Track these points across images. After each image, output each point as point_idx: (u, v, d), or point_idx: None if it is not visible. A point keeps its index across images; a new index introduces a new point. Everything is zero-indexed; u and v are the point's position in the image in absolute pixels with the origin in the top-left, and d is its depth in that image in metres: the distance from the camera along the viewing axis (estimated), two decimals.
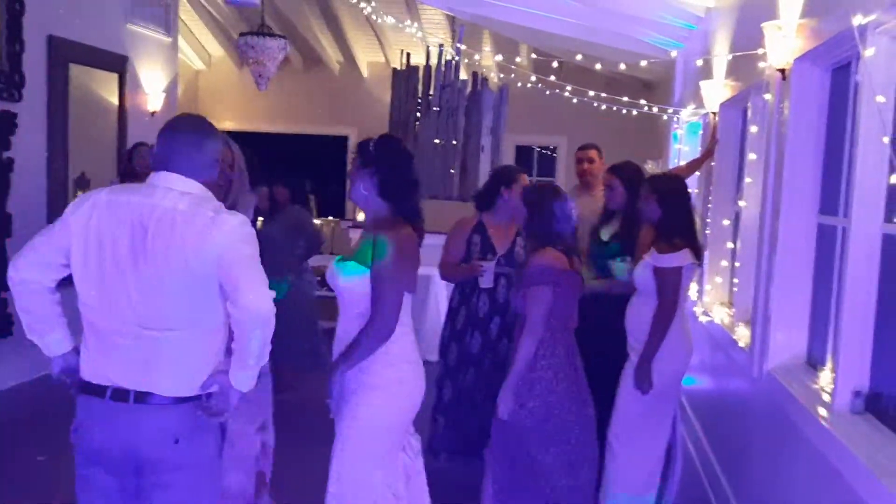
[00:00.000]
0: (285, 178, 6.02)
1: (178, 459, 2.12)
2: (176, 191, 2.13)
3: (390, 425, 2.67)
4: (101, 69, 6.45)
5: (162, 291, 2.06)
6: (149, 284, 2.06)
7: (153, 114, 7.12)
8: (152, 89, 7.17)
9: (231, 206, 2.99)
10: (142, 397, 2.08)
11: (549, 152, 11.08)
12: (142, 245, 2.06)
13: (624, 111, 6.30)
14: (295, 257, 5.37)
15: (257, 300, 2.08)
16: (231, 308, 2.09)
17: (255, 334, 2.09)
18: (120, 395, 2.08)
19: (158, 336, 2.08)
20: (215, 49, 10.65)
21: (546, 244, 3.22)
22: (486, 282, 3.97)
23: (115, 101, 6.66)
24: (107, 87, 6.60)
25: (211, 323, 2.15)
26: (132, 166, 5.26)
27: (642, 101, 6.04)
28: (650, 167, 6.50)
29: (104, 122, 6.58)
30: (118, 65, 6.64)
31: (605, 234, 4.07)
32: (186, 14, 9.53)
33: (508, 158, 9.92)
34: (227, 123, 10.87)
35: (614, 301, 3.80)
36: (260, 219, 6.37)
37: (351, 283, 2.65)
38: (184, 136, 2.19)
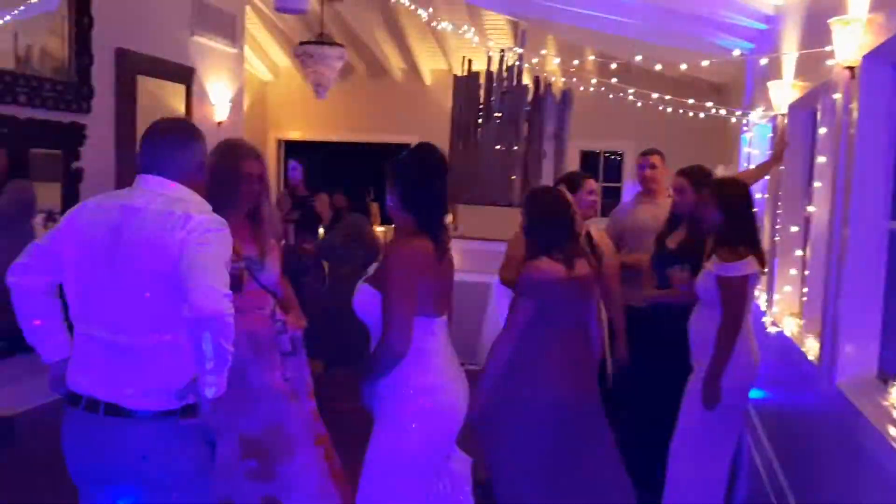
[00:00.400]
0: (345, 186, 6.07)
1: (150, 476, 2.06)
2: (154, 192, 2.14)
3: (411, 459, 2.48)
4: (167, 80, 6.61)
5: (132, 294, 2.05)
6: (120, 287, 2.06)
7: (219, 124, 7.26)
8: (218, 100, 7.31)
9: (261, 217, 3.01)
10: (112, 409, 2.05)
11: (615, 157, 10.89)
12: (115, 247, 2.06)
13: (690, 114, 6.13)
14: (354, 266, 5.38)
15: (205, 300, 1.99)
16: (184, 308, 2.03)
17: (205, 336, 1.99)
18: (92, 405, 2.06)
19: (130, 342, 2.05)
20: (282, 60, 10.82)
21: (540, 253, 3.12)
22: None
23: (182, 111, 6.81)
24: (174, 98, 6.75)
25: (184, 328, 2.07)
26: None
27: (709, 104, 5.85)
28: (720, 172, 6.31)
29: None
30: (185, 76, 6.78)
31: (672, 242, 3.94)
32: (254, 26, 9.72)
33: (572, 164, 9.78)
34: (293, 133, 11.04)
35: (675, 312, 3.67)
36: (321, 229, 6.45)
37: (364, 302, 2.54)
38: (166, 139, 2.21)
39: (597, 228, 4.11)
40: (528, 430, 3.09)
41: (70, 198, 5.42)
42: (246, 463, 2.86)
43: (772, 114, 4.92)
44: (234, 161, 2.94)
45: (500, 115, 7.78)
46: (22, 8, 5.27)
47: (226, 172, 2.87)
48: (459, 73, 8.10)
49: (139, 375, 2.05)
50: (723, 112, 5.95)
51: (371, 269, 2.59)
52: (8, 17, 5.17)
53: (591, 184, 4.09)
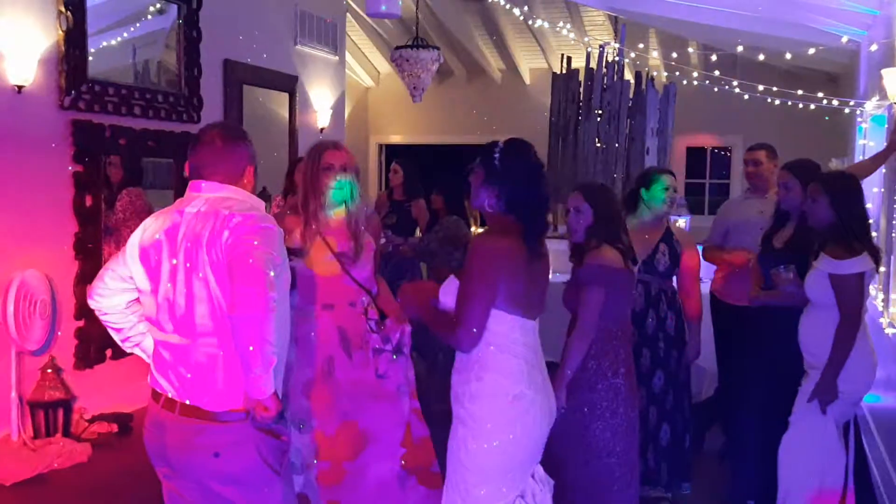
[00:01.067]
0: (440, 186, 6.09)
1: (222, 473, 2.13)
2: (204, 196, 2.23)
3: (484, 467, 2.40)
4: (272, 89, 6.84)
5: (192, 298, 2.12)
6: (182, 292, 2.13)
7: (322, 130, 7.45)
8: (321, 106, 7.51)
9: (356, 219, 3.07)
10: (187, 409, 2.15)
11: (723, 153, 10.52)
12: (172, 254, 2.15)
13: (800, 105, 5.86)
14: (451, 268, 5.40)
15: (244, 300, 2.00)
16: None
17: (244, 335, 2.00)
18: (169, 404, 2.18)
19: (196, 344, 2.12)
20: (383, 66, 11.01)
21: (605, 242, 3.13)
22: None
23: (286, 119, 7.03)
24: (278, 106, 6.98)
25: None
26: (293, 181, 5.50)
27: (819, 94, 5.58)
28: (834, 165, 6.01)
29: (277, 140, 6.96)
30: (289, 84, 7.00)
31: (778, 241, 3.77)
32: (355, 33, 9.93)
33: (677, 161, 9.52)
34: (394, 137, 11.22)
35: (782, 313, 3.52)
36: (417, 232, 6.51)
37: (449, 294, 2.51)
38: (213, 144, 2.32)
39: (676, 224, 4.03)
40: (603, 420, 3.09)
41: None
42: (319, 465, 2.90)
43: (887, 103, 4.65)
44: (316, 154, 3.06)
45: (600, 112, 7.66)
46: (138, 25, 5.58)
47: (310, 167, 3.02)
48: (558, 72, 8.02)
49: (211, 376, 2.12)
50: (835, 103, 5.66)
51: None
52: (126, 34, 5.49)
53: (670, 179, 4.03)
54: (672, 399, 3.89)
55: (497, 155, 2.47)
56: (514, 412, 2.38)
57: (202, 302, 2.13)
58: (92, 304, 2.41)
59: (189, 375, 2.15)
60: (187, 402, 2.15)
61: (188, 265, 2.14)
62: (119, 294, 2.36)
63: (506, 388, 2.39)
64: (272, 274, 2.04)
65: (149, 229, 2.28)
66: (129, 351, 2.44)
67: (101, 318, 2.44)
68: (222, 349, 2.12)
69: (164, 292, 2.18)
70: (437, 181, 6.09)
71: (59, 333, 4.81)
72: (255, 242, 2.09)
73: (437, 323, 2.48)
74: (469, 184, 2.53)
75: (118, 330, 2.43)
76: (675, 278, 4.04)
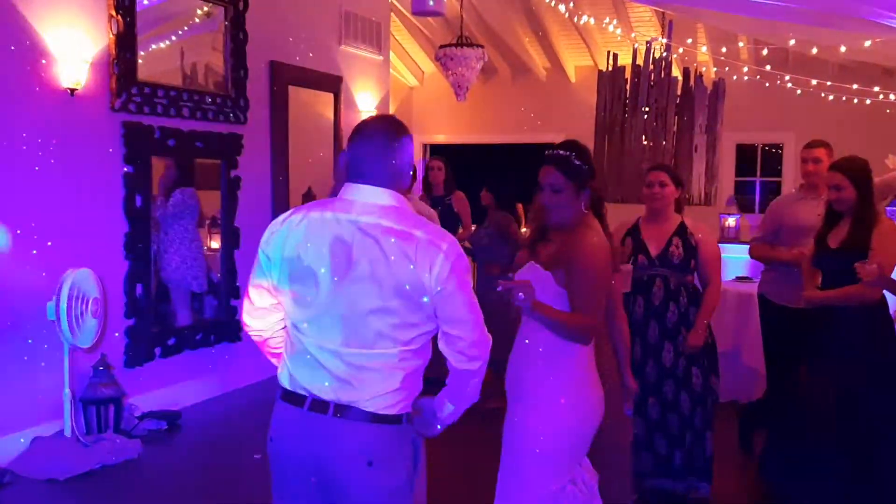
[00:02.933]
0: (489, 183, 6.05)
1: (368, 483, 1.98)
2: (373, 204, 2.00)
3: (546, 451, 2.45)
4: (317, 90, 6.88)
5: (366, 310, 1.95)
6: (352, 303, 1.95)
7: None
8: (365, 106, 7.54)
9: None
10: (341, 410, 1.97)
11: (774, 150, 10.29)
12: (346, 263, 1.95)
13: (856, 100, 5.69)
14: (501, 265, 5.38)
15: (481, 347, 2.04)
16: (452, 345, 2.03)
17: (473, 381, 2.05)
18: (319, 406, 1.98)
19: (363, 353, 1.97)
20: (427, 65, 11.01)
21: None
22: (624, 285, 3.76)
23: (330, 119, 7.07)
24: (324, 107, 7.02)
25: (418, 343, 2.03)
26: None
27: (875, 88, 5.41)
28: (891, 162, 5.83)
29: (322, 140, 7.01)
30: (333, 85, 7.04)
31: (832, 241, 3.66)
32: (399, 33, 9.95)
33: (727, 158, 9.34)
34: (439, 137, 11.21)
35: (838, 315, 3.45)
36: (461, 228, 6.50)
37: (534, 281, 2.51)
38: (374, 141, 2.05)
39: (692, 219, 3.93)
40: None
41: (230, 204, 5.76)
42: None
43: None
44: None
45: (647, 109, 7.54)
46: (186, 28, 5.67)
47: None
48: (604, 69, 7.92)
49: (370, 382, 1.98)
50: (892, 97, 5.48)
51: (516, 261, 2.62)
52: (174, 37, 5.57)
53: (650, 176, 3.95)
54: (699, 384, 3.81)
55: (577, 162, 2.56)
56: (584, 394, 2.49)
57: (366, 313, 2.00)
58: (247, 330, 2.22)
59: (348, 378, 2.00)
60: (343, 403, 2.02)
61: (361, 275, 1.97)
62: (268, 315, 2.16)
63: (574, 375, 2.48)
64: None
65: (304, 231, 2.02)
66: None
67: (257, 344, 2.24)
68: (390, 358, 2.02)
69: (330, 300, 2.01)
70: (487, 178, 6.06)
71: (117, 334, 4.91)
72: (467, 269, 2.07)
73: (559, 320, 2.47)
74: (547, 207, 2.58)
75: (276, 355, 2.21)
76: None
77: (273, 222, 2.09)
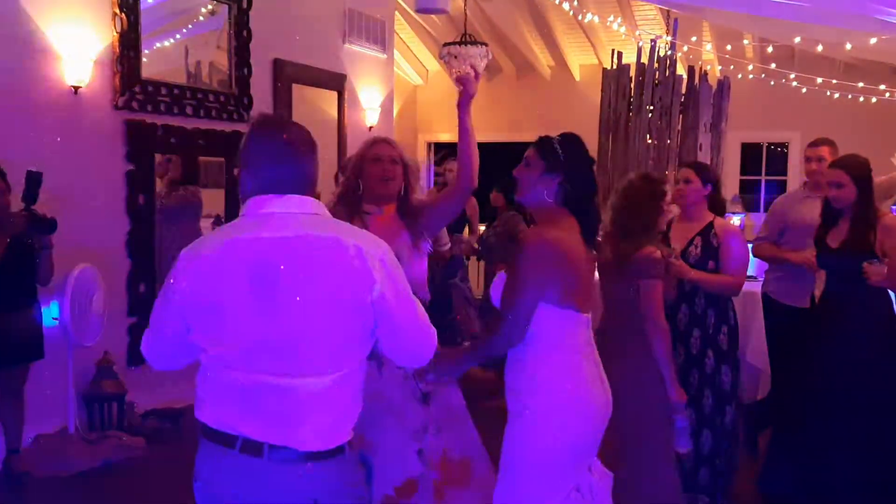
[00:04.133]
0: (500, 184, 6.04)
1: None
2: (296, 213, 1.84)
3: (547, 458, 2.36)
4: (321, 88, 6.88)
5: (303, 333, 1.79)
6: (285, 327, 1.78)
7: (370, 129, 7.47)
8: (369, 105, 7.53)
9: (411, 209, 3.03)
10: (277, 451, 1.78)
11: (779, 149, 10.26)
12: (273, 285, 1.77)
13: (861, 99, 5.67)
14: (509, 264, 5.37)
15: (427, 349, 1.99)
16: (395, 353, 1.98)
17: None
18: (252, 448, 1.79)
19: (298, 383, 1.79)
20: (431, 64, 11.00)
21: (648, 243, 3.10)
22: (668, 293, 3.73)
23: (334, 117, 7.07)
24: (327, 105, 7.02)
25: (355, 365, 1.88)
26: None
27: (882, 87, 5.39)
28: None
29: (326, 138, 7.00)
30: (337, 83, 7.04)
31: (832, 241, 3.64)
32: (403, 31, 9.94)
33: (731, 157, 9.31)
34: (443, 136, 11.20)
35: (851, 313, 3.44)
36: (466, 228, 6.50)
37: (497, 289, 2.48)
38: (301, 149, 1.92)
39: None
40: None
41: (233, 203, 5.75)
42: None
43: None
44: (364, 148, 3.03)
45: (651, 107, 7.52)
46: (190, 26, 5.67)
47: (358, 162, 2.99)
48: (609, 67, 7.90)
49: (309, 415, 1.81)
50: None
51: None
52: (178, 36, 5.58)
53: (679, 173, 3.95)
54: (709, 400, 3.74)
55: (557, 147, 2.44)
56: (571, 406, 2.37)
57: (320, 336, 1.85)
58: (156, 367, 2.08)
59: (288, 414, 1.83)
60: (282, 445, 1.85)
61: (293, 296, 1.80)
62: (181, 359, 2.02)
63: (562, 383, 2.37)
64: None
65: (218, 258, 1.84)
66: None
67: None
68: (335, 383, 1.86)
69: (263, 327, 1.84)
70: (498, 179, 6.05)
71: (120, 332, 4.90)
72: (403, 275, 1.99)
73: (480, 353, 2.50)
74: (516, 178, 2.48)
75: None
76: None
77: (182, 255, 1.87)
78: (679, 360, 3.70)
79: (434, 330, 2.02)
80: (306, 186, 1.89)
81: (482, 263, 9.64)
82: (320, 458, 1.81)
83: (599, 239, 3.08)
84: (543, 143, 2.48)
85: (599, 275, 3.28)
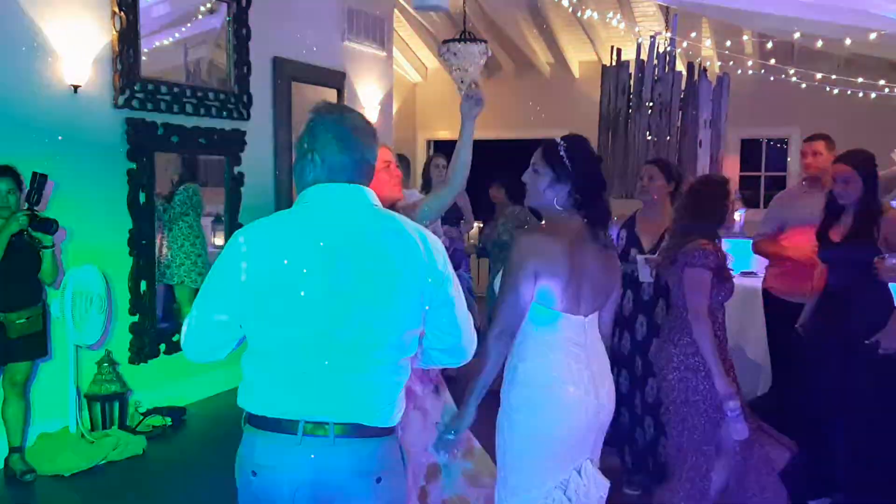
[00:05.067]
0: (501, 179, 6.04)
1: (377, 499, 1.86)
2: (356, 202, 1.87)
3: (518, 454, 2.39)
4: (321, 86, 6.87)
5: (359, 319, 1.81)
6: (349, 313, 1.81)
7: None
8: (369, 102, 7.53)
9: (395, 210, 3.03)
10: (343, 429, 1.82)
11: (779, 145, 10.26)
12: (332, 271, 1.80)
13: (861, 94, 5.66)
14: None
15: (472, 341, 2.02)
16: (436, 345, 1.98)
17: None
18: (316, 428, 1.82)
19: (360, 365, 1.83)
20: (430, 61, 10.99)
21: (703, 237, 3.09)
22: (643, 275, 3.73)
23: None
24: None
25: (414, 349, 1.93)
26: None
27: (881, 82, 5.39)
28: None
29: None
30: (337, 81, 7.03)
31: (835, 235, 3.64)
32: (403, 29, 9.93)
33: (731, 153, 9.31)
34: (442, 133, 11.20)
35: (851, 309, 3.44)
36: (477, 223, 6.49)
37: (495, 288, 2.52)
38: (356, 136, 1.90)
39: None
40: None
41: (233, 201, 5.75)
42: None
43: None
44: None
45: (651, 104, 7.52)
46: (189, 24, 5.66)
47: None
48: (608, 64, 7.90)
49: (369, 395, 1.86)
50: None
51: None
52: (177, 34, 5.57)
53: (642, 169, 3.96)
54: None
55: (563, 154, 2.44)
56: (545, 402, 2.37)
57: (359, 322, 1.89)
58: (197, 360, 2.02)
59: (347, 393, 1.88)
60: (344, 422, 1.89)
61: (349, 282, 1.83)
62: (225, 348, 2.00)
63: (538, 379, 2.38)
64: None
65: (271, 242, 1.86)
66: None
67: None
68: (381, 368, 1.92)
69: (304, 312, 1.88)
70: (498, 174, 6.05)
71: (122, 331, 4.91)
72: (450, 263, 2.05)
73: (476, 387, 2.41)
74: (525, 183, 2.51)
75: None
76: None
77: (240, 237, 1.85)
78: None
79: (476, 333, 2.04)
80: (365, 175, 1.90)
81: (480, 260, 9.68)
82: (380, 436, 1.86)
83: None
84: (549, 150, 2.48)
85: (659, 270, 3.34)
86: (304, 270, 1.79)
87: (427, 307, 1.88)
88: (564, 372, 2.38)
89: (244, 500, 1.91)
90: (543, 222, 2.52)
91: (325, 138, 1.87)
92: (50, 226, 3.99)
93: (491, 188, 6.15)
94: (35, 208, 4.01)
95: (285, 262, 1.80)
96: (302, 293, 1.79)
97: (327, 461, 1.82)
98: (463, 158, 3.06)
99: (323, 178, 1.87)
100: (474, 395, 2.38)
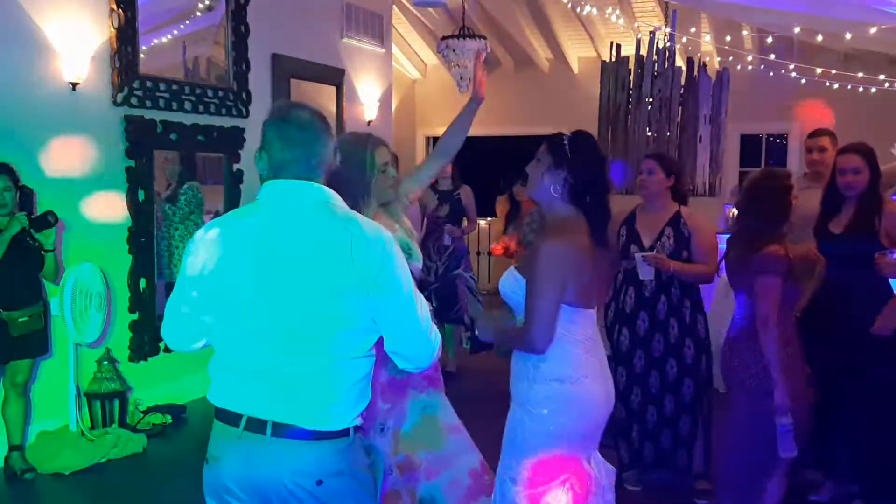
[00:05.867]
0: (524, 178, 6.02)
1: (321, 499, 1.85)
2: (303, 199, 1.87)
3: (541, 447, 2.39)
4: (320, 83, 6.86)
5: (303, 317, 1.83)
6: (285, 311, 1.83)
7: (369, 123, 7.46)
8: (368, 99, 7.51)
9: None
10: (279, 430, 1.83)
11: (779, 141, 10.24)
12: (274, 269, 1.83)
13: (861, 89, 5.65)
14: None
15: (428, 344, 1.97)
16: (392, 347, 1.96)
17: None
18: (255, 425, 1.84)
19: (299, 364, 1.84)
20: (430, 58, 10.97)
21: (773, 241, 3.00)
22: (644, 273, 3.69)
23: (333, 112, 7.05)
24: (326, 100, 7.00)
25: (362, 350, 1.91)
26: None
27: (881, 77, 5.38)
28: None
29: None
30: (336, 78, 7.02)
31: (836, 227, 3.63)
32: (402, 26, 9.91)
33: (731, 148, 9.30)
34: (442, 130, 11.13)
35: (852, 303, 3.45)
36: (482, 220, 6.48)
37: (508, 285, 2.49)
38: (307, 131, 1.91)
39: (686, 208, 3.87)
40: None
41: (233, 199, 5.74)
42: (395, 459, 2.88)
43: None
44: (366, 151, 2.87)
45: (651, 100, 7.52)
46: (188, 22, 5.65)
47: (359, 164, 2.79)
48: (608, 60, 7.90)
49: (317, 396, 1.86)
50: None
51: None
52: (175, 31, 5.55)
53: (641, 164, 3.90)
54: (689, 389, 3.77)
55: (566, 143, 2.46)
56: (570, 398, 2.40)
57: (302, 320, 1.91)
58: (169, 343, 2.09)
59: (290, 394, 1.89)
60: (283, 423, 1.90)
61: (293, 280, 1.85)
62: (198, 339, 2.05)
63: (562, 375, 2.40)
64: None
65: (222, 240, 1.92)
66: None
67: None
68: (322, 369, 1.91)
69: (252, 310, 1.94)
70: (522, 174, 6.03)
71: (121, 329, 4.90)
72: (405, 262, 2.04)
73: (511, 340, 2.49)
74: (526, 173, 2.51)
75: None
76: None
77: (197, 234, 1.93)
78: (659, 350, 3.74)
79: (437, 333, 1.99)
80: (313, 169, 1.90)
81: (479, 258, 9.67)
82: (323, 439, 1.84)
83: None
84: (553, 138, 2.50)
85: (727, 273, 3.26)
86: (240, 267, 1.84)
87: (370, 308, 1.85)
88: (583, 366, 2.42)
89: (204, 488, 1.99)
90: (549, 222, 2.49)
91: (270, 136, 1.92)
92: (48, 220, 3.98)
93: (515, 187, 6.12)
94: (32, 214, 4.03)
95: (225, 257, 1.85)
96: (238, 290, 1.84)
97: (264, 459, 1.83)
98: (459, 136, 3.09)
99: (270, 175, 1.91)
100: (507, 336, 2.48)
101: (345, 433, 1.88)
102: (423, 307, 1.94)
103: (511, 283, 2.48)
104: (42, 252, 4.05)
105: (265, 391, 1.84)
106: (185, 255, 1.94)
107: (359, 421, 1.92)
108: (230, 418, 1.87)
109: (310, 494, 1.84)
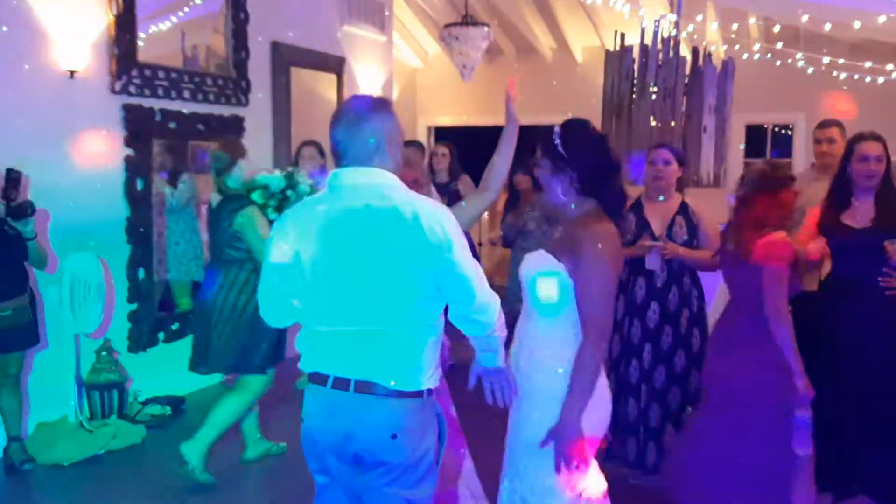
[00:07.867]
0: (526, 167, 5.88)
1: (393, 455, 2.05)
2: (361, 184, 2.05)
3: (538, 439, 2.33)
4: (320, 71, 6.79)
5: (370, 292, 2.03)
6: (354, 288, 2.03)
7: None
8: (368, 88, 7.45)
9: None
10: (362, 387, 2.05)
11: (784, 131, 10.17)
12: (341, 251, 2.04)
13: (868, 79, 5.58)
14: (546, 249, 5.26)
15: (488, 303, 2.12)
16: (457, 311, 2.12)
17: (490, 333, 2.17)
18: (340, 384, 2.07)
19: (373, 332, 2.05)
20: (431, 47, 10.89)
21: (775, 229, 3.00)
22: (650, 263, 3.66)
23: (333, 100, 6.99)
24: (326, 88, 6.94)
25: (432, 317, 2.10)
26: None
27: (889, 66, 5.30)
28: None
29: (325, 122, 6.88)
30: (336, 66, 6.95)
31: (850, 220, 3.55)
32: (403, 13, 9.83)
33: (736, 139, 9.23)
34: (443, 119, 11.12)
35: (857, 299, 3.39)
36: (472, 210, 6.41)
37: (539, 269, 2.38)
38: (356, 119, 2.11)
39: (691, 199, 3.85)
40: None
41: None
42: None
43: None
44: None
45: (655, 89, 7.43)
46: (187, 9, 5.58)
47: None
48: (611, 49, 7.80)
49: (393, 358, 2.06)
50: None
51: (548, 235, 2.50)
52: (174, 19, 5.49)
53: (654, 154, 3.83)
54: (696, 381, 3.73)
55: (558, 142, 2.37)
56: (596, 399, 2.32)
57: (378, 293, 2.11)
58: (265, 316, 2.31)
59: (368, 356, 2.10)
60: (363, 380, 2.13)
61: (365, 257, 2.06)
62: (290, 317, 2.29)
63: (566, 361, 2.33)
64: None
65: (297, 227, 2.15)
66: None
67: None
68: (398, 335, 2.12)
69: (330, 286, 2.16)
70: (523, 162, 5.88)
71: (120, 319, 4.86)
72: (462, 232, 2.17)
73: (580, 388, 2.30)
74: (526, 161, 2.48)
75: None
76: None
77: (276, 221, 2.19)
78: (668, 341, 3.69)
79: (495, 295, 2.13)
80: (367, 154, 2.06)
81: (480, 247, 9.61)
82: (400, 397, 2.05)
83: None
84: (545, 141, 2.42)
85: (723, 265, 3.25)
86: (315, 252, 2.05)
87: (435, 277, 2.03)
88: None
89: (303, 446, 2.20)
90: (580, 217, 2.40)
91: (330, 131, 2.14)
92: (25, 210, 3.81)
93: (515, 175, 5.97)
94: (11, 203, 3.84)
95: (300, 245, 2.07)
96: (316, 272, 2.05)
97: (346, 413, 2.06)
98: (502, 167, 2.93)
99: (336, 165, 2.14)
100: (575, 401, 2.31)
101: (419, 394, 2.08)
102: (480, 273, 2.09)
103: (542, 266, 2.38)
104: (24, 240, 3.92)
105: (349, 354, 2.06)
106: (267, 243, 2.17)
107: (433, 384, 2.11)
108: (319, 379, 2.11)
109: (386, 447, 2.04)
